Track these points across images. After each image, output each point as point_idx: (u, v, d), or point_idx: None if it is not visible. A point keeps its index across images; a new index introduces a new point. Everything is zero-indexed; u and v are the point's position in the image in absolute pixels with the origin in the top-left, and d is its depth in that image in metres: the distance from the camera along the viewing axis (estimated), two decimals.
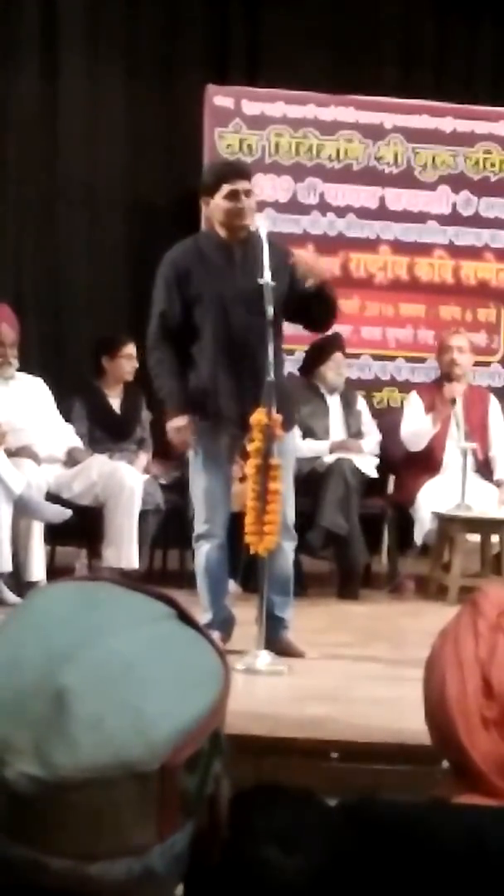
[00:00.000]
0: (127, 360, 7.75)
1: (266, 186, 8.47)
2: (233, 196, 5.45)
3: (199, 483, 5.64)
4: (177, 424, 5.59)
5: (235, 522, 5.65)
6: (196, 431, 5.56)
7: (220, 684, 1.11)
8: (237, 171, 5.60)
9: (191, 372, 5.58)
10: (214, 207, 5.56)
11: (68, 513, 6.70)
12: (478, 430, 7.81)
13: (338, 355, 7.81)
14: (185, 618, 1.15)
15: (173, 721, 1.04)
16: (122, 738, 1.01)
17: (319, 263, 5.49)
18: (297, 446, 6.18)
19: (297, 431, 6.10)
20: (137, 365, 7.77)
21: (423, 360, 8.54)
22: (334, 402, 7.92)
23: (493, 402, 8.13)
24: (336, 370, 7.80)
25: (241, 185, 5.46)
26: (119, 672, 1.03)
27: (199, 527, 5.65)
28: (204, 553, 5.62)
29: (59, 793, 1.00)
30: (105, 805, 1.01)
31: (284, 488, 5.52)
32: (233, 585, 6.03)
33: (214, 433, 5.51)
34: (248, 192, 5.47)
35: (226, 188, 5.46)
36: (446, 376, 7.92)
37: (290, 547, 5.69)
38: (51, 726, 1.00)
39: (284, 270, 5.57)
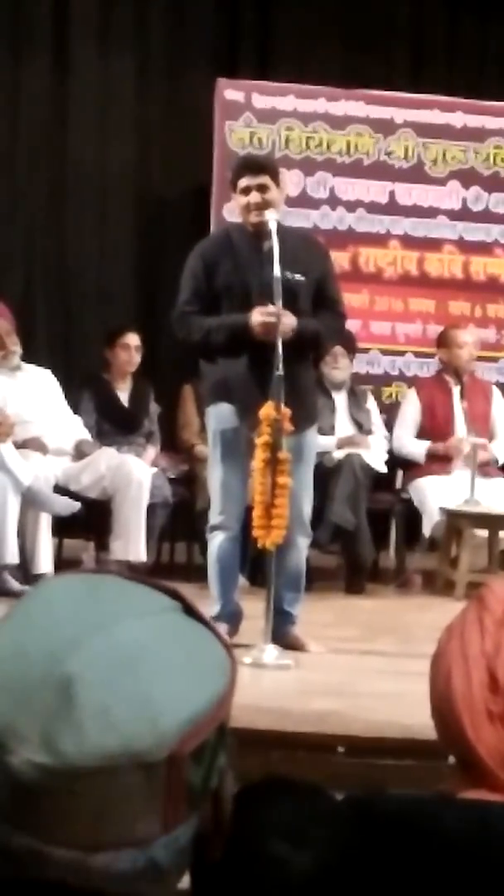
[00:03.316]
0: (124, 350, 7.76)
1: None
2: (244, 192, 5.47)
3: (216, 474, 5.64)
4: (256, 317, 5.29)
5: (246, 516, 5.65)
6: (219, 419, 5.56)
7: (227, 676, 1.11)
8: (248, 166, 5.59)
9: (214, 363, 5.57)
10: (234, 202, 5.63)
11: (76, 505, 6.70)
12: (481, 423, 7.81)
13: (335, 350, 7.72)
14: (191, 611, 1.15)
15: (181, 710, 1.03)
16: (130, 726, 1.01)
17: (283, 324, 5.29)
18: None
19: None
20: (138, 356, 7.79)
21: (432, 356, 8.52)
22: (340, 399, 7.91)
23: (496, 394, 8.14)
24: (332, 365, 7.74)
25: (253, 180, 5.44)
26: (126, 660, 1.03)
27: (213, 518, 5.66)
28: (217, 544, 5.63)
29: (65, 780, 0.99)
30: (111, 794, 1.00)
31: (302, 484, 5.53)
32: (240, 579, 6.03)
33: (235, 425, 5.50)
34: (261, 187, 5.44)
35: (240, 184, 5.49)
36: (454, 370, 7.93)
37: (304, 543, 5.69)
38: (57, 714, 1.00)
39: (317, 264, 5.57)
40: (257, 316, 5.28)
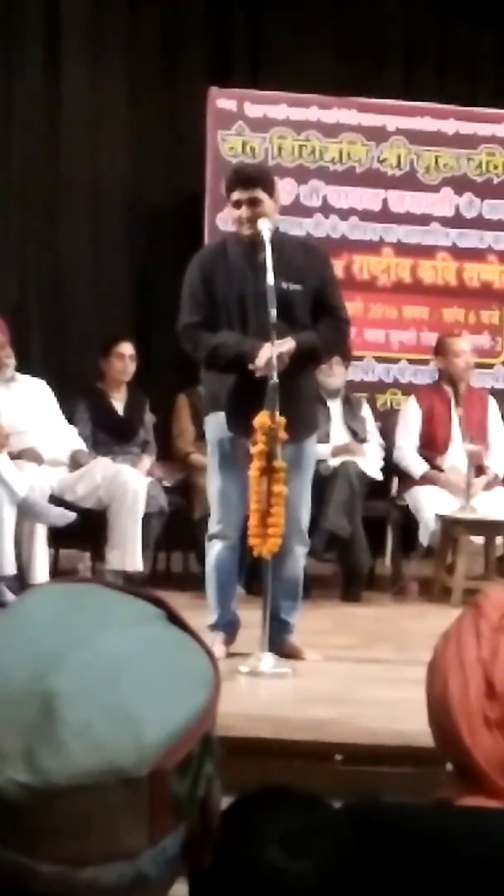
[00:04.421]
0: (118, 359, 7.76)
1: None
2: (235, 205, 5.46)
3: (214, 483, 5.64)
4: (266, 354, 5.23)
5: (244, 525, 5.65)
6: (217, 429, 5.56)
7: (210, 686, 1.10)
8: (239, 180, 5.51)
9: (213, 372, 5.57)
10: (227, 212, 5.62)
11: (72, 515, 6.70)
12: (477, 431, 7.81)
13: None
14: (175, 619, 1.14)
15: (164, 725, 1.03)
16: (112, 742, 1.00)
17: (282, 354, 5.23)
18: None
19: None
20: (133, 366, 7.79)
21: (426, 363, 8.53)
22: (335, 407, 7.91)
23: (492, 403, 8.14)
24: (327, 373, 7.70)
25: (244, 194, 5.41)
26: (108, 675, 1.03)
27: (212, 527, 5.67)
28: (215, 553, 5.63)
29: (49, 799, 0.99)
30: (95, 811, 1.00)
31: (299, 493, 5.53)
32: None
33: (233, 434, 5.50)
34: (252, 201, 5.41)
35: (232, 196, 5.47)
36: (449, 378, 7.93)
37: (301, 552, 5.69)
38: (40, 732, 1.00)
39: (315, 272, 5.56)
40: (262, 359, 5.23)
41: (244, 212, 5.42)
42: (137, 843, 1.03)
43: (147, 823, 1.03)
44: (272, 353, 5.16)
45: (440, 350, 8.09)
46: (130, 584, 7.16)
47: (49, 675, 1.01)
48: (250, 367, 5.26)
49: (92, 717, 1.01)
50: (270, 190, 5.48)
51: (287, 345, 5.26)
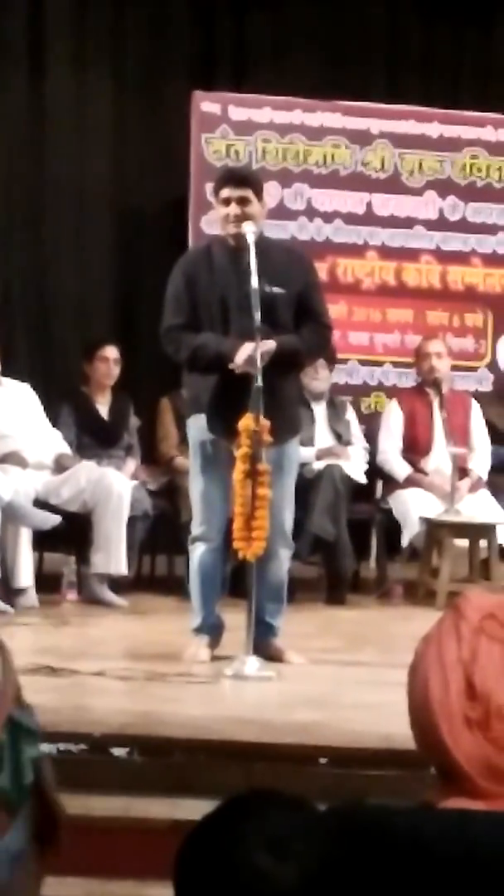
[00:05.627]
0: (103, 363, 7.75)
1: None
2: (224, 203, 5.48)
3: (197, 486, 5.64)
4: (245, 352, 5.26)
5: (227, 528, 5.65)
6: (199, 431, 5.56)
7: None
8: (230, 178, 5.59)
9: (195, 375, 5.57)
10: (215, 212, 5.64)
11: (57, 519, 6.69)
12: (460, 434, 7.82)
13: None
14: None
15: None
16: None
17: (255, 356, 5.22)
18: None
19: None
20: (117, 369, 7.78)
21: (410, 366, 8.52)
22: (320, 410, 7.91)
23: (475, 406, 8.15)
24: (312, 376, 7.70)
25: (234, 192, 5.44)
26: None
27: (195, 529, 5.67)
28: (198, 556, 5.63)
29: None
30: None
31: (282, 496, 5.53)
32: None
33: (214, 437, 5.50)
34: (241, 200, 5.44)
35: (221, 194, 5.50)
36: (427, 382, 7.95)
37: (285, 554, 5.69)
38: None
39: (298, 276, 5.57)
40: (242, 356, 5.25)
41: (233, 209, 5.43)
42: None
43: None
44: (252, 351, 5.17)
45: (417, 354, 8.13)
46: (115, 587, 7.09)
47: None
48: (230, 365, 5.27)
49: None
50: (259, 194, 5.53)
51: (267, 345, 5.27)
